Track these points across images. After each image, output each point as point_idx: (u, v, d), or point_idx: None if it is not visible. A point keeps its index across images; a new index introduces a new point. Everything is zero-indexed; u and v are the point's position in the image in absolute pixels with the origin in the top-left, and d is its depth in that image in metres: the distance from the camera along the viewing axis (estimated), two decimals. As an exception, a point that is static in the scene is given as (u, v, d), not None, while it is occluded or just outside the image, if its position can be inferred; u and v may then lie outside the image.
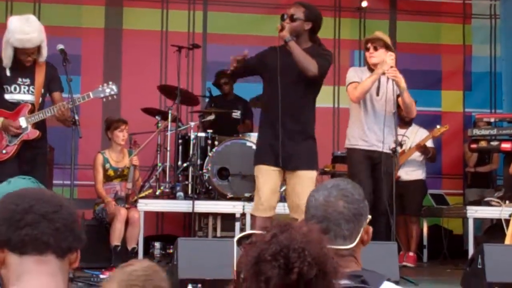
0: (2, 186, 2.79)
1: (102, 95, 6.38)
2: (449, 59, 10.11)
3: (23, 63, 6.05)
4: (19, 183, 2.83)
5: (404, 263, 7.97)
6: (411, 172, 8.37)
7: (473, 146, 8.25)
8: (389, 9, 10.06)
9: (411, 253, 8.23)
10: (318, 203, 2.24)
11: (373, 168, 6.54)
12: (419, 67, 9.64)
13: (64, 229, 1.88)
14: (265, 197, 5.65)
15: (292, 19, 5.72)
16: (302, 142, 5.73)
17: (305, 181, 5.65)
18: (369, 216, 2.32)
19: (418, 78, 9.24)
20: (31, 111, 6.13)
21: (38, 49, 6.02)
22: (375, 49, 6.59)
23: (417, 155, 8.41)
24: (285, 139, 5.64)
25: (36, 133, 6.13)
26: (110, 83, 6.43)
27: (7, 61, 6.05)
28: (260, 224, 5.60)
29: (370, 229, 2.30)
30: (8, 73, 6.09)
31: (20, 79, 6.13)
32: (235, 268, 1.72)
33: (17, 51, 6.00)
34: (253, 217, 5.84)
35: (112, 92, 6.39)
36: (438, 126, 8.42)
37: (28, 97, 6.16)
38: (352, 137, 6.65)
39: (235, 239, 1.81)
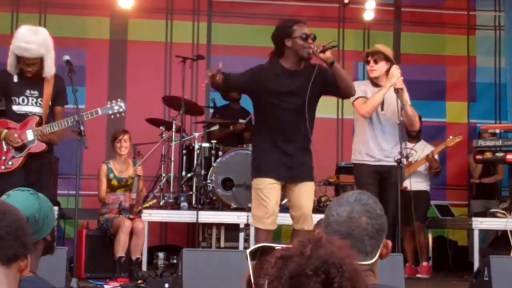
0: (1, 200, 2.78)
1: (110, 112, 6.40)
2: (454, 70, 10.11)
3: (27, 74, 6.06)
4: (18, 195, 2.82)
5: (418, 275, 8.03)
6: (416, 183, 8.35)
7: (478, 157, 8.22)
8: (393, 20, 10.07)
9: (424, 263, 8.24)
10: (342, 219, 2.21)
11: (380, 181, 6.51)
12: (423, 78, 9.64)
13: (8, 237, 1.89)
14: (272, 210, 5.62)
15: (314, 39, 5.61)
16: (305, 155, 5.76)
17: (309, 192, 5.73)
18: None
19: (423, 89, 9.25)
20: (39, 124, 6.13)
21: (41, 63, 6.03)
22: (375, 62, 6.57)
23: (422, 168, 8.41)
24: (291, 154, 5.65)
25: (43, 146, 6.13)
26: (119, 100, 6.44)
27: (10, 68, 6.06)
28: (265, 237, 5.56)
29: (390, 243, 2.28)
30: (15, 79, 6.10)
31: (28, 91, 6.14)
32: (252, 280, 1.70)
33: (19, 60, 6.03)
34: (258, 230, 5.74)
35: (121, 110, 6.41)
36: (451, 137, 8.38)
37: (36, 109, 6.16)
38: (358, 152, 6.62)
39: (248, 251, 1.79)
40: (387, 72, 6.52)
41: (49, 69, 6.06)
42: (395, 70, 6.41)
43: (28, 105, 6.16)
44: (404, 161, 8.25)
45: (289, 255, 1.66)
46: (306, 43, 5.55)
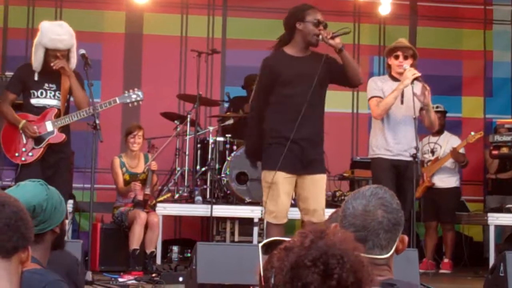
0: (12, 190, 2.81)
1: (128, 101, 6.43)
2: (470, 65, 10.05)
3: (50, 67, 6.11)
4: (27, 185, 2.86)
5: (441, 271, 8.13)
6: (445, 179, 8.39)
7: (495, 152, 8.19)
8: (410, 15, 10.02)
9: (446, 260, 8.31)
10: (357, 212, 2.20)
11: (397, 176, 6.43)
12: (439, 72, 9.58)
13: (6, 229, 1.85)
14: (284, 205, 5.56)
15: (325, 27, 5.60)
16: (318, 146, 5.69)
17: (321, 185, 5.65)
18: None
19: (439, 84, 9.17)
20: (57, 116, 6.20)
21: (68, 54, 6.11)
22: (406, 58, 6.43)
23: (449, 163, 8.40)
24: (305, 145, 5.56)
25: (62, 136, 6.19)
26: (136, 89, 6.48)
27: (37, 64, 6.15)
28: (277, 232, 5.48)
29: (406, 238, 2.26)
30: (36, 77, 6.17)
31: (46, 84, 6.21)
32: (261, 274, 1.70)
33: (47, 53, 6.10)
34: (269, 224, 5.66)
35: (138, 98, 6.45)
36: (472, 133, 8.33)
37: (54, 102, 6.23)
38: (375, 147, 6.52)
39: (260, 245, 1.79)
40: None
41: (74, 61, 6.17)
42: (408, 72, 6.28)
43: (46, 98, 6.22)
44: (430, 156, 8.30)
45: (290, 247, 1.66)
46: (316, 28, 5.54)
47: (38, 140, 6.18)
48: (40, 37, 6.13)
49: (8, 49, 9.12)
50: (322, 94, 5.71)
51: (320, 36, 5.51)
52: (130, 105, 6.49)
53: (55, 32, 6.07)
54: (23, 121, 6.17)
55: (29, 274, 2.63)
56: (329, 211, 6.71)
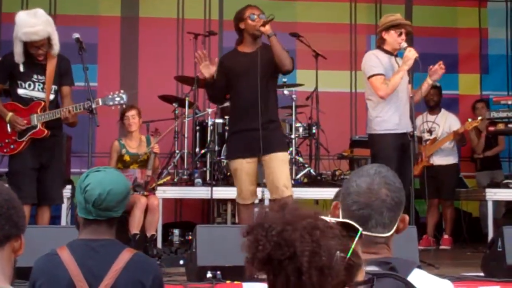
0: (101, 175, 2.94)
1: (111, 103, 6.34)
2: (466, 42, 10.07)
3: (36, 58, 6.06)
4: (113, 170, 3.06)
5: (441, 247, 8.25)
6: (443, 157, 8.44)
7: (491, 128, 8.22)
8: (405, -7, 10.03)
9: (446, 236, 8.42)
10: (361, 190, 2.21)
11: (400, 153, 6.40)
12: (435, 50, 9.58)
13: None
14: (246, 187, 6.08)
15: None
16: (274, 131, 6.08)
17: (280, 163, 6.00)
18: None
19: (435, 62, 9.11)
20: (43, 109, 6.12)
21: (49, 42, 6.03)
22: (407, 34, 6.47)
23: (448, 142, 8.43)
24: (261, 132, 5.94)
25: (44, 132, 6.10)
26: (122, 91, 6.40)
27: (18, 57, 6.01)
28: (245, 211, 6.18)
29: (407, 218, 2.26)
30: (21, 69, 6.08)
31: (35, 76, 6.11)
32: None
33: (27, 46, 5.99)
34: (238, 204, 6.28)
35: (122, 102, 6.37)
36: (470, 120, 8.33)
37: (42, 95, 6.13)
38: (383, 121, 6.36)
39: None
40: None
41: (56, 48, 6.07)
42: (409, 52, 6.29)
43: (34, 90, 6.13)
44: (428, 135, 8.33)
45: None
46: (253, 22, 6.00)
47: (21, 132, 6.13)
48: (16, 30, 5.98)
49: (2, 34, 9.09)
50: (272, 84, 6.14)
51: (256, 26, 5.95)
52: (113, 107, 6.42)
53: (28, 24, 5.90)
54: (10, 114, 6.10)
55: (140, 257, 2.93)
56: (328, 190, 6.81)
